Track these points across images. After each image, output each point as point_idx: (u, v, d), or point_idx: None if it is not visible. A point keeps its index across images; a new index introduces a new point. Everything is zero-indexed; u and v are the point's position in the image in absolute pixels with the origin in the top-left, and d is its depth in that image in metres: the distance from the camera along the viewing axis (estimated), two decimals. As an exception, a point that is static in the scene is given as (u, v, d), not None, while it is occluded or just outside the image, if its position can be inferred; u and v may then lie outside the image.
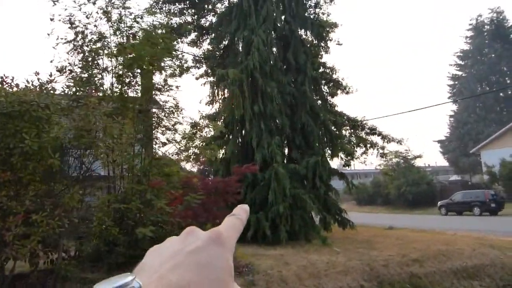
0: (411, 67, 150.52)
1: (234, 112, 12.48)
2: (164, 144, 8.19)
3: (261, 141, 12.79)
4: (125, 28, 8.84)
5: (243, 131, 13.48)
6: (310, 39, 18.28)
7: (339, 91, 18.64)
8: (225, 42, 15.77)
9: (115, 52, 8.58)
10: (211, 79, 14.79)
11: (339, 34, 29.85)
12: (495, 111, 50.52)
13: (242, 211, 0.61)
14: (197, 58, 19.85)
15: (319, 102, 15.49)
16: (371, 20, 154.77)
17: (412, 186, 35.60)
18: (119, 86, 8.57)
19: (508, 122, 37.08)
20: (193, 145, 14.12)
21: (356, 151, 18.25)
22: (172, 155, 10.88)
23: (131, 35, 8.98)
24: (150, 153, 10.28)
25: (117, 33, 8.81)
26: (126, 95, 8.52)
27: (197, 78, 18.28)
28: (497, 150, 34.80)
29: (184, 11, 19.85)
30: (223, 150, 13.30)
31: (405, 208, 36.10)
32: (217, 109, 13.51)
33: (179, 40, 19.33)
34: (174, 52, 9.45)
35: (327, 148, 15.18)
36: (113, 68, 8.59)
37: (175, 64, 9.13)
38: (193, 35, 20.08)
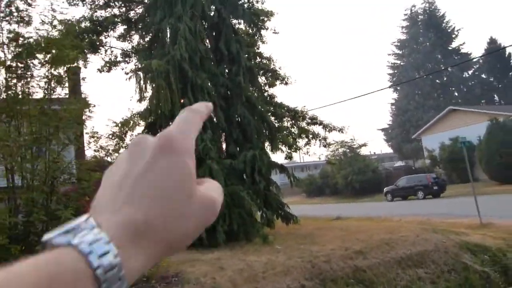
0: (351, 58, 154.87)
1: (161, 107, 11.45)
2: (65, 145, 7.04)
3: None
4: (16, 13, 7.55)
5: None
6: (244, 28, 17.56)
7: (277, 82, 18.07)
8: (152, 34, 14.63)
9: (6, 40, 7.30)
10: (139, 73, 13.61)
11: (275, 23, 29.21)
12: (433, 97, 52.52)
13: (202, 105, 0.53)
14: (126, 52, 18.53)
15: (256, 93, 14.74)
16: (306, 9, 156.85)
17: (358, 175, 36.10)
18: (14, 81, 7.30)
19: (445, 107, 38.46)
20: (123, 145, 12.97)
21: (298, 143, 17.75)
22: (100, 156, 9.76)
23: (23, 21, 7.70)
24: (80, 156, 9.12)
25: (8, 19, 7.52)
26: (21, 91, 7.28)
27: (127, 73, 16.98)
28: (437, 135, 35.97)
29: (111, 3, 18.41)
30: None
31: (353, 196, 36.55)
32: (146, 106, 12.34)
33: (105, 34, 17.96)
34: (75, 39, 8.21)
35: (267, 141, 14.47)
36: (5, 59, 7.31)
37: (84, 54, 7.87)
38: (122, 29, 18.74)
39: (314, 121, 17.25)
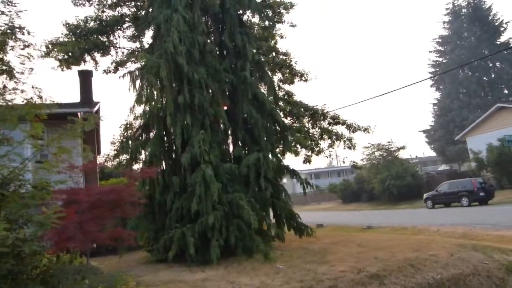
0: (388, 56, 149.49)
1: (151, 106, 10.22)
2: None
3: (190, 138, 10.51)
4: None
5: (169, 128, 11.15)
6: (258, 21, 16.20)
7: (296, 78, 16.49)
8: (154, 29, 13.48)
9: None
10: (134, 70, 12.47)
11: (296, 15, 27.63)
12: (479, 95, 48.79)
13: None
14: (134, 52, 17.59)
15: (267, 90, 13.22)
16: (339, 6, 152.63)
17: (397, 179, 33.61)
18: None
19: (493, 106, 35.20)
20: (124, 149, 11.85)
21: (320, 144, 16.10)
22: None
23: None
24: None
25: None
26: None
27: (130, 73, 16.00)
28: (483, 135, 32.88)
29: (121, 2, 17.55)
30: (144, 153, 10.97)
31: (391, 203, 34.12)
32: (133, 105, 11.04)
33: (112, 34, 17.04)
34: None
35: (278, 143, 12.91)
36: None
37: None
38: (132, 29, 17.84)
39: (336, 120, 15.53)
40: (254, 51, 13.64)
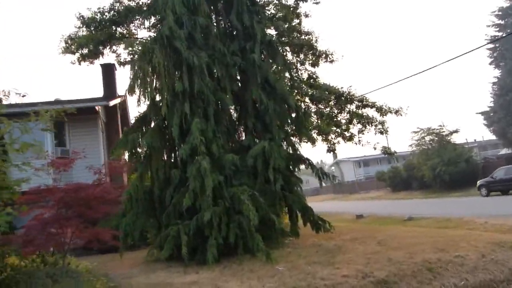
0: (442, 36, 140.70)
1: (145, 95, 9.56)
2: None
3: (191, 128, 9.75)
4: None
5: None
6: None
7: (321, 60, 15.22)
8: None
9: None
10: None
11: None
12: (545, 71, 44.12)
13: None
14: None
15: (281, 72, 12.16)
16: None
17: (449, 166, 31.11)
18: None
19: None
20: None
21: (349, 129, 14.83)
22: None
23: None
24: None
25: None
26: None
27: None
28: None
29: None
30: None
31: (443, 190, 31.71)
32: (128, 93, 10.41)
33: (126, 24, 16.58)
34: None
35: (292, 130, 11.86)
36: None
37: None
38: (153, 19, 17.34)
39: (364, 103, 14.15)
40: (273, 32, 12.62)
